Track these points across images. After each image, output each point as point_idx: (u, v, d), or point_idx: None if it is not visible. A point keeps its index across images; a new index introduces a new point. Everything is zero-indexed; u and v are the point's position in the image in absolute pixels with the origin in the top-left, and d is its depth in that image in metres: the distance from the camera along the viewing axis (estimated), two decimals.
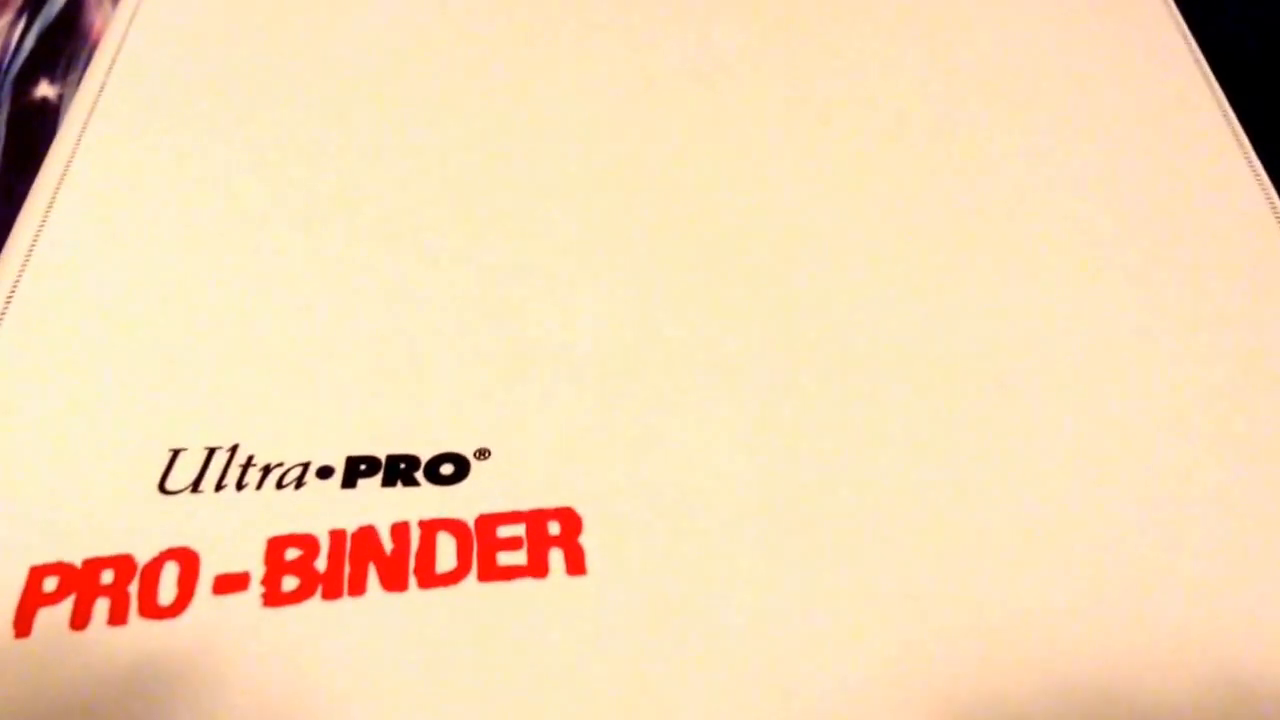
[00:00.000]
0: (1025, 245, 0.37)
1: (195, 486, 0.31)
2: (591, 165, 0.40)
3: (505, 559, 0.29)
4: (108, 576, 0.29)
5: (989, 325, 0.35)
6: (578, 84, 0.42)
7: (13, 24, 0.48)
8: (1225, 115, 0.40)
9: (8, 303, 0.35)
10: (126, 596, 0.28)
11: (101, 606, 0.28)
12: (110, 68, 0.42)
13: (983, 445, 0.32)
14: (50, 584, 0.29)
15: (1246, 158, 0.39)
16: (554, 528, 0.30)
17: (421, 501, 0.30)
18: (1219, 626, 0.29)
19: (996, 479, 0.31)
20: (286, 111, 0.41)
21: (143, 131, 0.40)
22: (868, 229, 0.37)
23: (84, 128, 0.40)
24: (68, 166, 0.39)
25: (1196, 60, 0.42)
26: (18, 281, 0.35)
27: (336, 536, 0.30)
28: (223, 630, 0.28)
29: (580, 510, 0.30)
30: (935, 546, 0.30)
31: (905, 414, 0.33)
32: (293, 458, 0.31)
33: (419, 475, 0.31)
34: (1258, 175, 0.39)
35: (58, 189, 0.38)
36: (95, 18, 0.48)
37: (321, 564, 0.29)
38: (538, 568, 0.29)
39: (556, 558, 0.29)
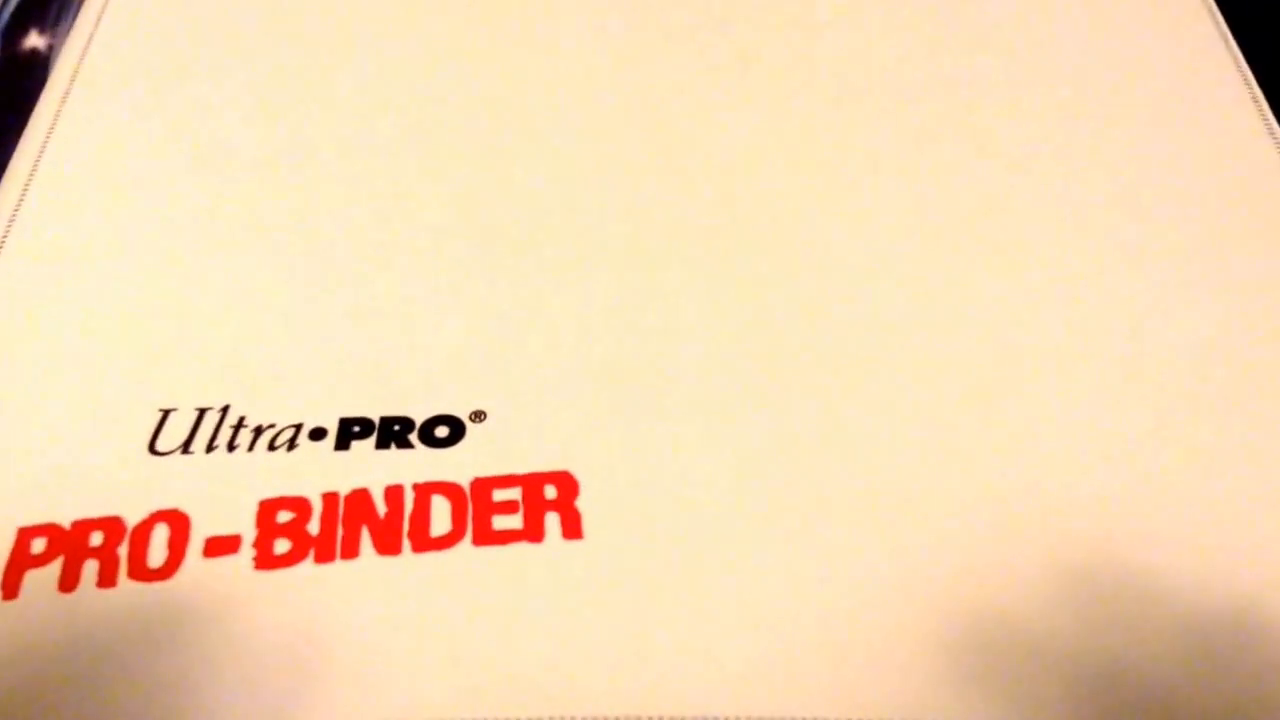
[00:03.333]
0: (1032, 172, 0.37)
1: (186, 448, 0.30)
2: (592, 129, 0.39)
3: (500, 523, 0.29)
4: (97, 538, 0.28)
5: (997, 224, 0.35)
6: (578, 43, 0.41)
7: None
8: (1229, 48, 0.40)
9: None
10: (116, 558, 0.28)
11: (90, 568, 0.28)
12: (99, 19, 0.41)
13: (991, 347, 0.32)
14: (38, 545, 0.28)
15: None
16: (550, 491, 0.29)
17: (416, 464, 0.30)
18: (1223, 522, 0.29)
19: (998, 377, 0.32)
20: (278, 60, 0.40)
21: (131, 83, 0.39)
22: (868, 156, 0.37)
23: (73, 79, 0.39)
24: (55, 120, 0.38)
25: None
26: (4, 238, 0.35)
27: (329, 499, 0.29)
28: (214, 593, 0.28)
29: (577, 474, 0.30)
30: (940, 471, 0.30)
31: (908, 342, 0.33)
32: (285, 419, 0.31)
33: (413, 437, 0.30)
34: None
35: (45, 142, 0.37)
36: None
37: (314, 527, 0.29)
38: (533, 532, 0.29)
39: (553, 522, 0.29)
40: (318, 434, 0.31)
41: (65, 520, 0.29)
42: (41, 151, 0.37)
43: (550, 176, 0.37)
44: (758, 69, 0.40)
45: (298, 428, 0.31)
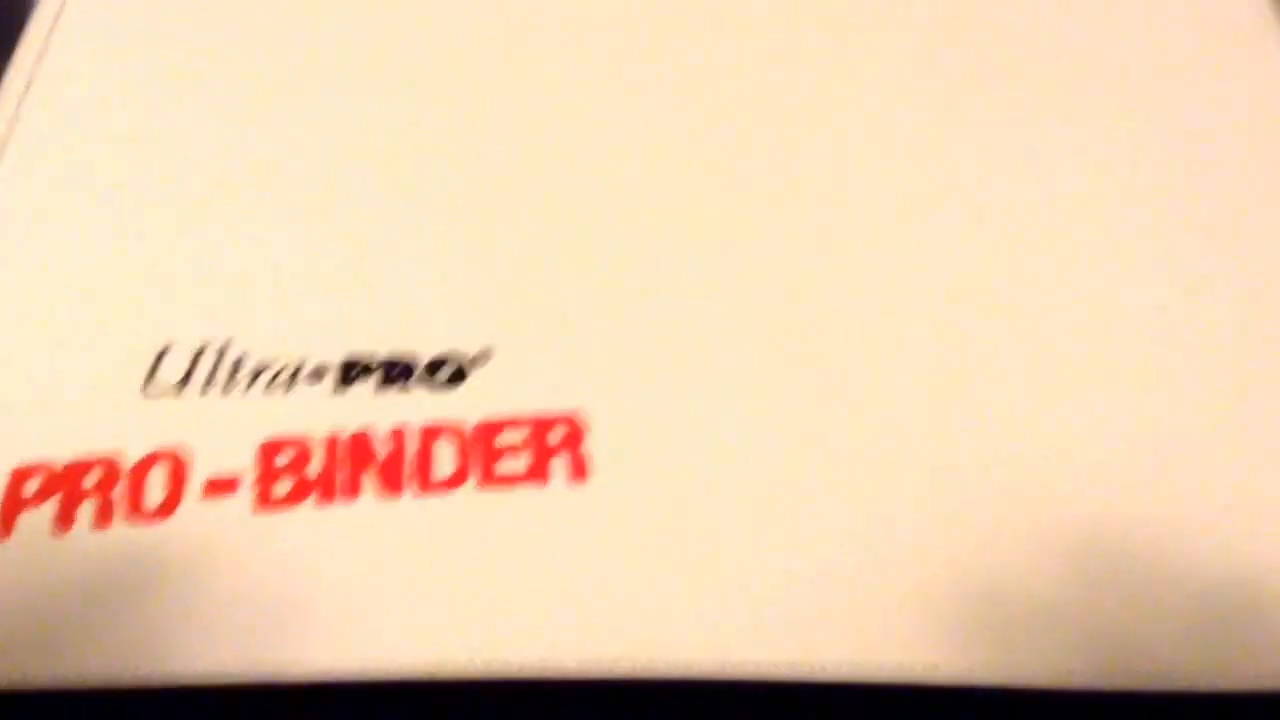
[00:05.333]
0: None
1: (183, 386, 0.30)
2: (597, 60, 0.37)
3: (506, 465, 0.28)
4: (92, 478, 0.28)
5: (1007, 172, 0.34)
6: None
7: None
8: None
9: None
10: (111, 499, 0.27)
11: (86, 509, 0.27)
12: None
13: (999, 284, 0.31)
14: (32, 486, 0.27)
15: None
16: (557, 434, 0.28)
17: (419, 405, 0.29)
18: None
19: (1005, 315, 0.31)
20: None
21: (129, 7, 0.38)
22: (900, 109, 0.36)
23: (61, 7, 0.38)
24: (44, 48, 0.37)
25: None
26: None
27: (330, 440, 0.28)
28: (212, 535, 0.27)
29: (584, 416, 0.29)
30: (952, 395, 0.29)
31: (924, 273, 0.32)
32: (285, 358, 0.30)
33: (416, 378, 0.30)
34: None
35: (31, 79, 0.36)
36: None
37: (315, 468, 0.28)
38: (539, 475, 0.28)
39: (560, 465, 0.28)
40: (318, 373, 0.30)
41: (59, 460, 0.28)
42: (26, 90, 0.36)
43: (560, 105, 0.36)
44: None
45: (298, 367, 0.30)
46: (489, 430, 0.29)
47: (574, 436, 0.28)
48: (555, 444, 0.28)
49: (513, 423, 0.29)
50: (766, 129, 0.35)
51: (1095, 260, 0.32)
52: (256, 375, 0.30)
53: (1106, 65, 0.37)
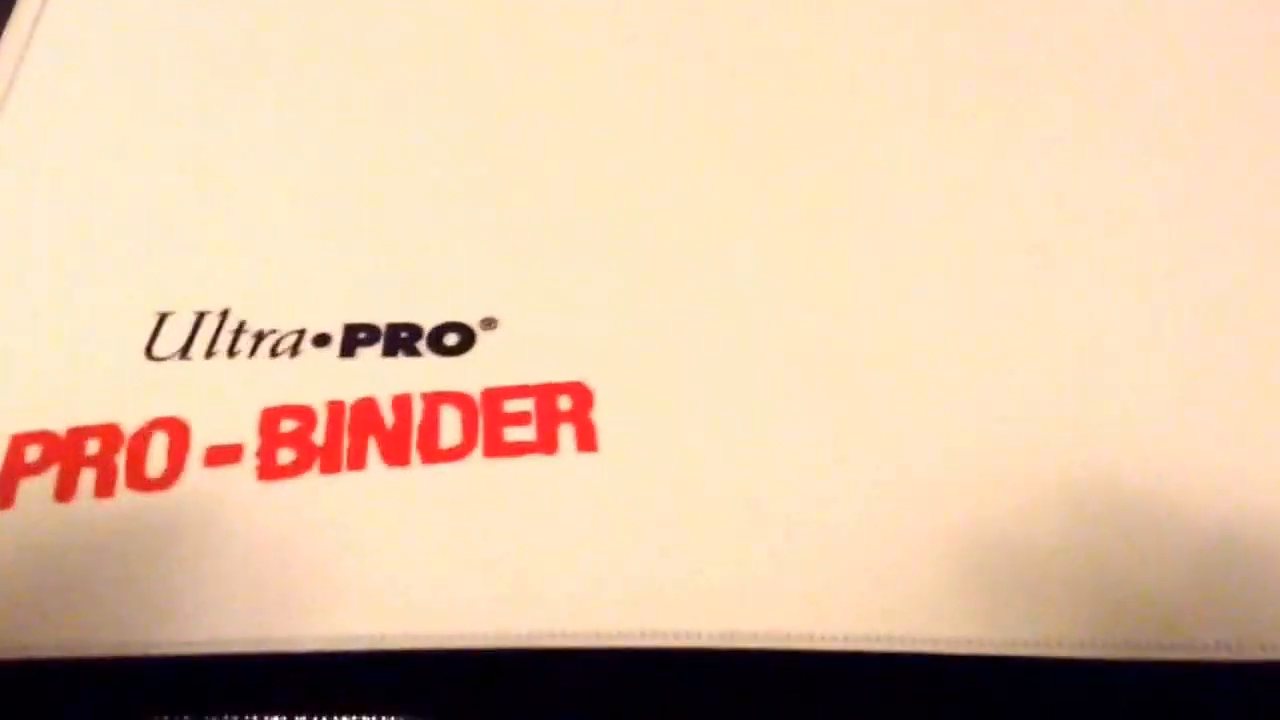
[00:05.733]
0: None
1: (184, 353, 0.29)
2: (605, 40, 0.37)
3: (512, 434, 0.28)
4: (93, 446, 0.27)
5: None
6: None
7: None
8: None
9: None
10: (113, 467, 0.27)
11: (87, 477, 0.27)
12: None
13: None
14: (33, 453, 0.27)
15: None
16: (564, 402, 0.28)
17: (424, 373, 0.29)
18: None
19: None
20: None
21: None
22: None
23: None
24: (40, 12, 0.36)
25: None
26: None
27: (335, 408, 0.28)
28: (215, 504, 0.27)
29: (592, 384, 0.28)
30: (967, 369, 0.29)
31: (934, 264, 0.31)
32: (287, 325, 0.30)
33: (421, 345, 0.29)
34: None
35: (31, 35, 0.35)
36: None
37: (319, 437, 0.28)
38: (547, 444, 0.27)
39: (567, 434, 0.28)
40: (322, 340, 0.29)
41: (61, 427, 0.27)
42: (24, 54, 0.35)
43: (568, 81, 0.35)
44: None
45: (300, 333, 0.29)
46: (495, 397, 0.28)
47: (582, 405, 0.28)
48: (563, 412, 0.28)
49: (519, 391, 0.28)
50: (769, 110, 0.35)
51: (1103, 234, 0.32)
52: (258, 341, 0.29)
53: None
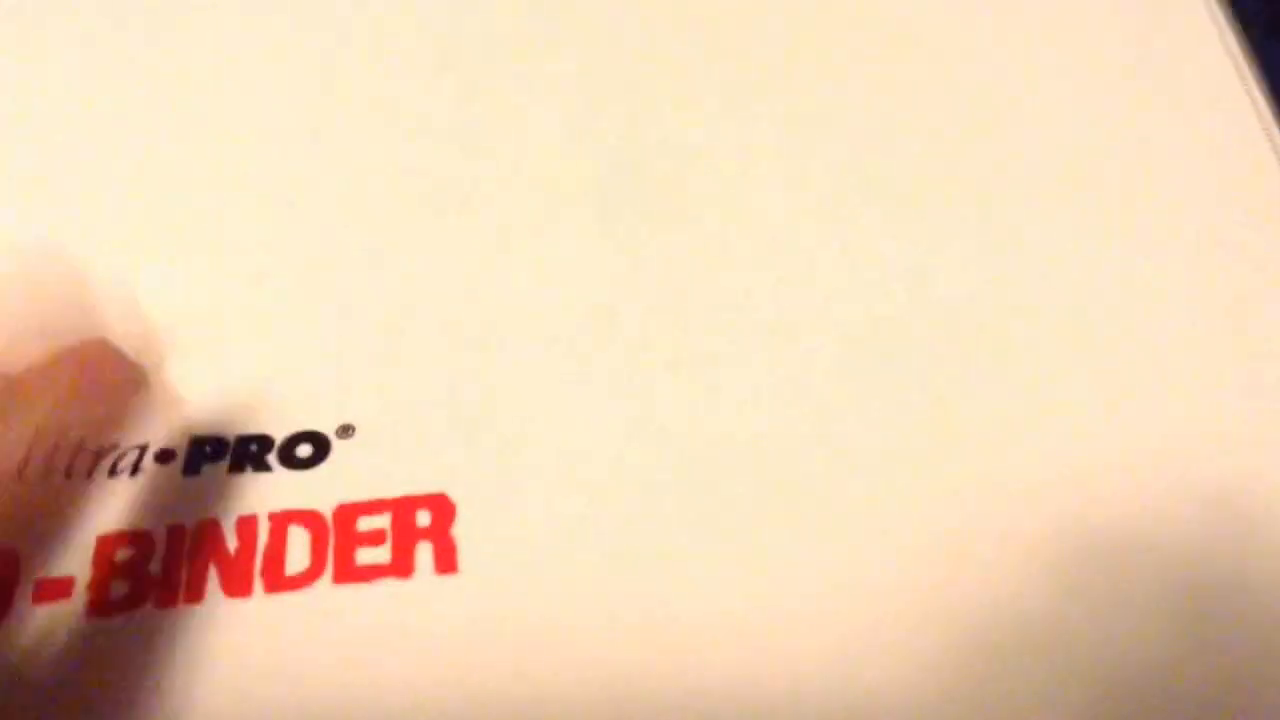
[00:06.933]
0: None
1: (19, 475, 0.27)
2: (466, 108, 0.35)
3: (365, 556, 0.26)
4: None
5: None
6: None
7: None
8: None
9: None
10: None
11: None
12: None
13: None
14: None
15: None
16: (424, 518, 0.26)
17: (275, 489, 0.27)
18: None
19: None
20: None
21: None
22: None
23: None
24: None
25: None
26: None
27: (175, 532, 0.26)
28: (43, 643, 0.25)
29: (454, 497, 0.27)
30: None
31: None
32: (128, 440, 0.28)
33: (271, 458, 0.27)
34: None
35: None
36: None
37: (156, 566, 0.26)
38: (402, 566, 0.26)
39: (425, 553, 0.26)
40: (165, 456, 0.27)
41: None
42: None
43: (422, 168, 0.34)
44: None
45: (143, 450, 0.27)
46: (348, 515, 0.26)
47: (442, 520, 0.26)
48: (421, 529, 0.26)
49: (375, 506, 0.26)
50: (657, 195, 0.33)
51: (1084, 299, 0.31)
52: (96, 460, 0.27)
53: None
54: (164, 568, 0.25)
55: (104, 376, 0.27)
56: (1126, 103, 0.35)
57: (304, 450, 0.27)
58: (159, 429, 0.28)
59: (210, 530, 0.26)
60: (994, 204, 0.33)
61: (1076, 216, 0.32)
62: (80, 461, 0.27)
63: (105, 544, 0.26)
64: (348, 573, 0.25)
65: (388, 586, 0.25)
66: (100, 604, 0.25)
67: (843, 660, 0.24)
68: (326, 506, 0.26)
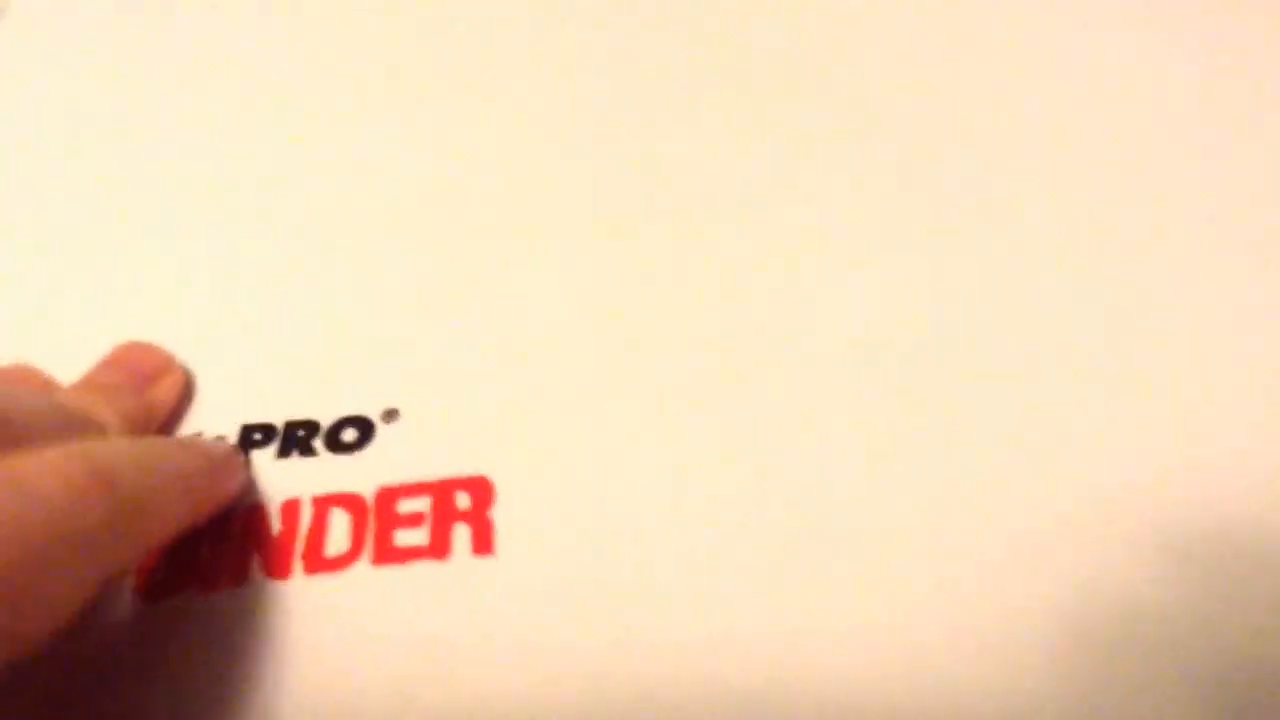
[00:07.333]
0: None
1: None
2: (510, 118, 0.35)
3: (403, 538, 0.25)
4: None
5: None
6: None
7: None
8: None
9: None
10: None
11: None
12: None
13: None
14: None
15: None
16: (463, 500, 0.26)
17: (319, 472, 0.27)
18: None
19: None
20: None
21: None
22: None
23: None
24: None
25: None
26: None
27: (222, 518, 0.26)
28: (98, 623, 0.25)
29: (494, 479, 0.26)
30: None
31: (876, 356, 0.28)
32: (181, 428, 0.28)
33: (317, 443, 0.27)
34: None
35: None
36: None
37: (205, 550, 0.26)
38: (439, 548, 0.25)
39: (462, 535, 0.25)
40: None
41: None
42: None
43: (466, 155, 0.34)
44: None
45: (196, 436, 0.28)
46: (389, 497, 0.26)
47: (481, 502, 0.26)
48: (460, 511, 0.26)
49: (415, 489, 0.26)
50: (692, 201, 0.33)
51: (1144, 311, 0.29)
52: None
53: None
54: (211, 552, 0.26)
55: (141, 369, 0.28)
56: (1146, 115, 0.33)
57: (349, 435, 0.27)
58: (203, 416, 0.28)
59: (256, 514, 0.26)
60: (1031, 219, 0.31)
61: (1106, 225, 0.31)
62: None
63: None
64: (386, 554, 0.25)
65: (424, 568, 0.25)
66: (144, 588, 0.25)
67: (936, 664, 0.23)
68: (368, 489, 0.26)
